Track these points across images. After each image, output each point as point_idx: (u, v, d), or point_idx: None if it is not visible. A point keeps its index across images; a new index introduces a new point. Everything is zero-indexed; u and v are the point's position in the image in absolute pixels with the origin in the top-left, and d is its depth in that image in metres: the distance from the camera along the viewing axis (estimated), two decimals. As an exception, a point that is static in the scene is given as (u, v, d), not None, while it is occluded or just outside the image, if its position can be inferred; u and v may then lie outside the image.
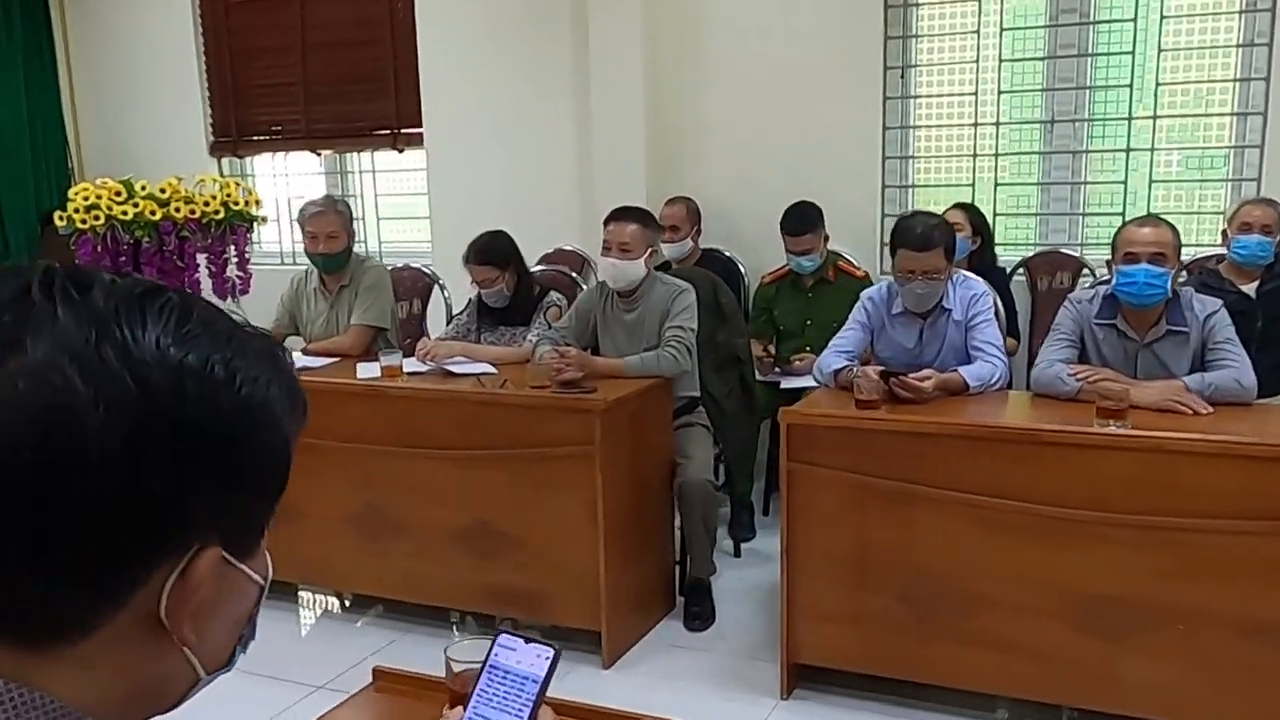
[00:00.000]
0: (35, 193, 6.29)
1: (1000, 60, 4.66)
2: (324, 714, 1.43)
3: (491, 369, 3.58)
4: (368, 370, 3.64)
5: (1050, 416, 2.83)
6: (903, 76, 4.78)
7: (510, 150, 5.40)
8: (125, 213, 4.35)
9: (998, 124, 4.72)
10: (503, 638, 1.14)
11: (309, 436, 0.68)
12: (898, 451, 2.88)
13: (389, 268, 4.39)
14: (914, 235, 3.19)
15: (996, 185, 4.78)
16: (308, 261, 4.22)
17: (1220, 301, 3.04)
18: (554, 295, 3.96)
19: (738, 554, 4.15)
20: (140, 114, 6.32)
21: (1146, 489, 2.62)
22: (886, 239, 4.75)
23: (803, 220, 4.34)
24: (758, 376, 4.14)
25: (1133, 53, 4.46)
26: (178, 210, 4.41)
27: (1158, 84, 4.46)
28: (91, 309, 0.58)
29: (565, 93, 5.21)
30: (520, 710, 1.10)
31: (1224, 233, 4.01)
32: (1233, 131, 4.43)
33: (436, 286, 4.85)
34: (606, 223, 3.65)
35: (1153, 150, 4.53)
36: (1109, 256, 3.15)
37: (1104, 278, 4.10)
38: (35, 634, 0.58)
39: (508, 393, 3.35)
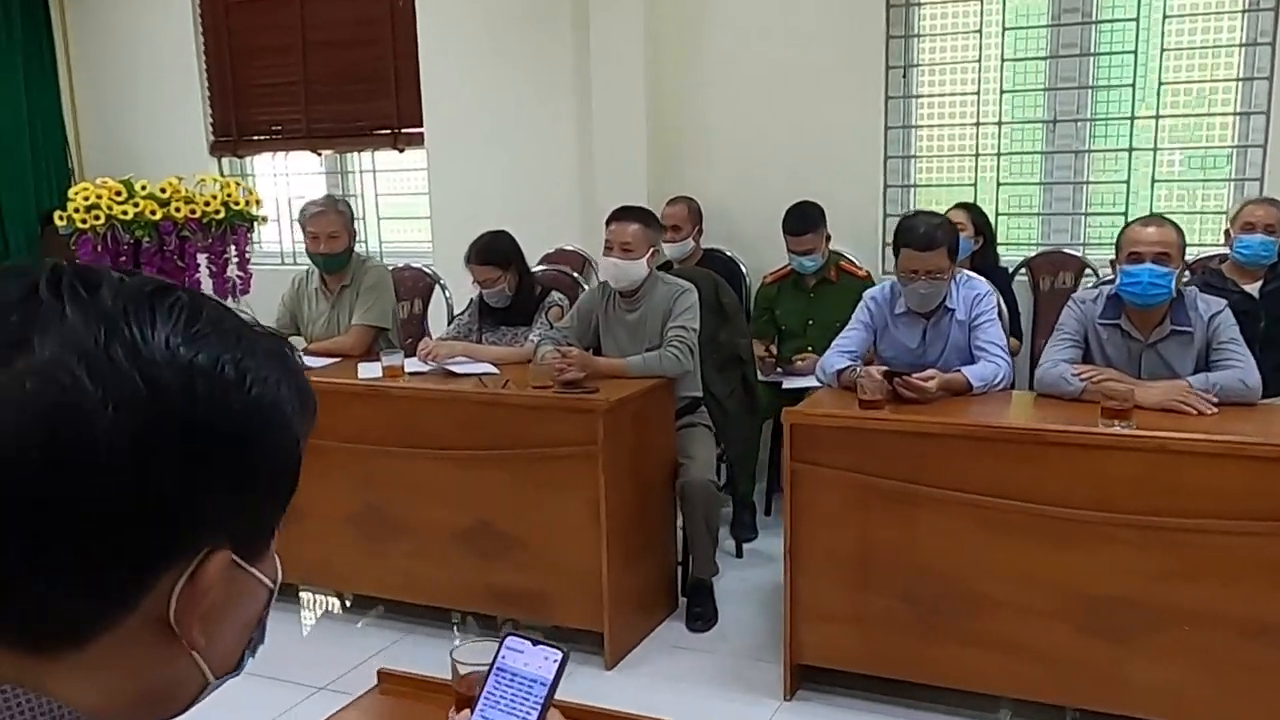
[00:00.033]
0: (35, 192, 6.27)
1: (1002, 59, 4.65)
2: (329, 717, 1.42)
3: (493, 369, 3.57)
4: (369, 370, 3.63)
5: (1054, 417, 2.83)
6: (905, 76, 4.77)
7: (511, 150, 5.39)
8: (125, 212, 4.34)
9: (1000, 123, 4.71)
10: (510, 640, 1.13)
11: (310, 437, 0.67)
12: (901, 452, 2.87)
13: (390, 268, 4.38)
14: (917, 235, 3.18)
15: (999, 185, 4.77)
16: (308, 261, 4.21)
17: (1225, 301, 3.04)
18: (555, 295, 3.95)
19: (739, 554, 4.14)
20: (140, 114, 6.31)
21: (1151, 489, 2.62)
22: (888, 239, 4.77)
23: (805, 220, 4.33)
24: (759, 377, 4.13)
25: (1135, 52, 4.45)
26: (178, 210, 4.40)
27: (1160, 83, 4.46)
28: (100, 308, 0.57)
29: (566, 92, 5.20)
30: (528, 713, 1.09)
31: (1227, 233, 4.00)
32: (1235, 131, 4.42)
33: (438, 286, 4.84)
34: (608, 222, 3.64)
35: (1155, 150, 4.52)
36: (1112, 256, 3.14)
37: (1107, 277, 4.09)
38: (42, 637, 0.57)
39: (510, 393, 3.34)
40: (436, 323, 4.82)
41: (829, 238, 4.38)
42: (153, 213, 4.36)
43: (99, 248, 4.37)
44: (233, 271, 4.64)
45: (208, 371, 0.58)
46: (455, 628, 3.67)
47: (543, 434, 3.27)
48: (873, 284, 4.15)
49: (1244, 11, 4.28)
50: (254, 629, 0.69)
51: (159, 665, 0.62)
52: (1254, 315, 3.40)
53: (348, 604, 3.89)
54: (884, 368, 3.07)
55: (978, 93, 4.71)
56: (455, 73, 5.47)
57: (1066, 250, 4.62)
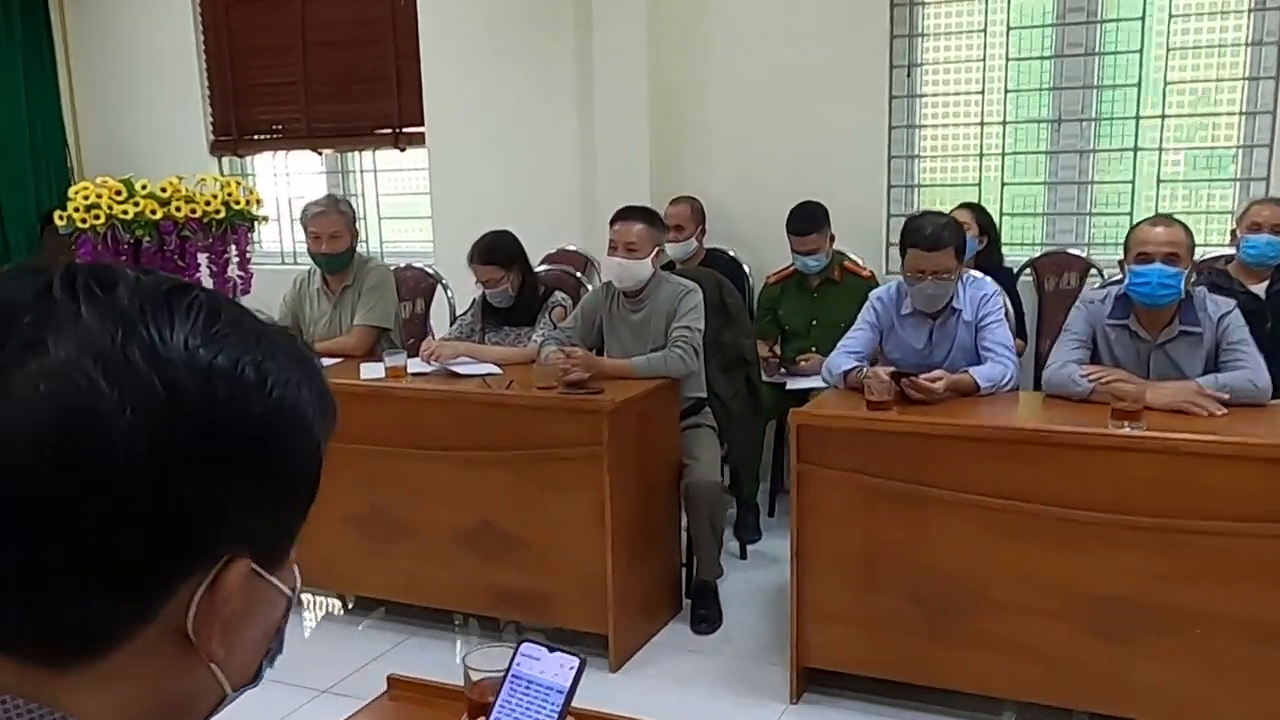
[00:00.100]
0: (35, 192, 6.25)
1: (1007, 59, 4.63)
2: (339, 723, 1.40)
3: (496, 369, 3.56)
4: (372, 371, 3.61)
5: (1063, 418, 2.81)
6: (909, 75, 4.75)
7: (513, 150, 5.37)
8: (126, 212, 4.31)
9: (1004, 123, 4.69)
10: (525, 646, 1.11)
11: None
12: (908, 453, 2.85)
13: (391, 268, 4.36)
14: (924, 235, 3.16)
15: (1003, 185, 4.75)
16: (309, 261, 4.19)
17: (1234, 302, 3.02)
18: (559, 295, 3.93)
19: (744, 556, 4.12)
20: (140, 113, 6.28)
21: (1160, 491, 2.60)
22: (892, 239, 4.76)
23: (808, 220, 4.31)
24: (763, 377, 4.11)
25: (1140, 51, 4.44)
26: (178, 210, 4.37)
27: (1166, 83, 4.44)
28: (116, 307, 0.55)
29: (568, 92, 5.18)
30: (545, 721, 1.07)
31: (1233, 233, 3.99)
32: (1241, 131, 4.40)
33: (439, 286, 4.82)
34: (612, 222, 3.62)
35: (1160, 150, 4.50)
36: (1120, 256, 3.13)
37: (1112, 278, 4.08)
38: (57, 650, 0.55)
39: (514, 393, 3.32)
40: (439, 323, 4.80)
41: (833, 238, 4.36)
42: (153, 212, 4.33)
43: (99, 247, 4.34)
44: (233, 271, 4.61)
45: (227, 373, 0.57)
46: (457, 630, 3.65)
47: (547, 435, 3.25)
48: (877, 284, 4.13)
49: (1250, 11, 4.27)
50: (272, 639, 0.67)
51: (176, 677, 0.60)
52: (1260, 315, 3.38)
53: (349, 606, 3.86)
54: (891, 368, 3.05)
55: (982, 92, 4.69)
56: (456, 72, 5.44)
57: (1071, 250, 4.60)
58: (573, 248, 5.14)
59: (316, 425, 0.63)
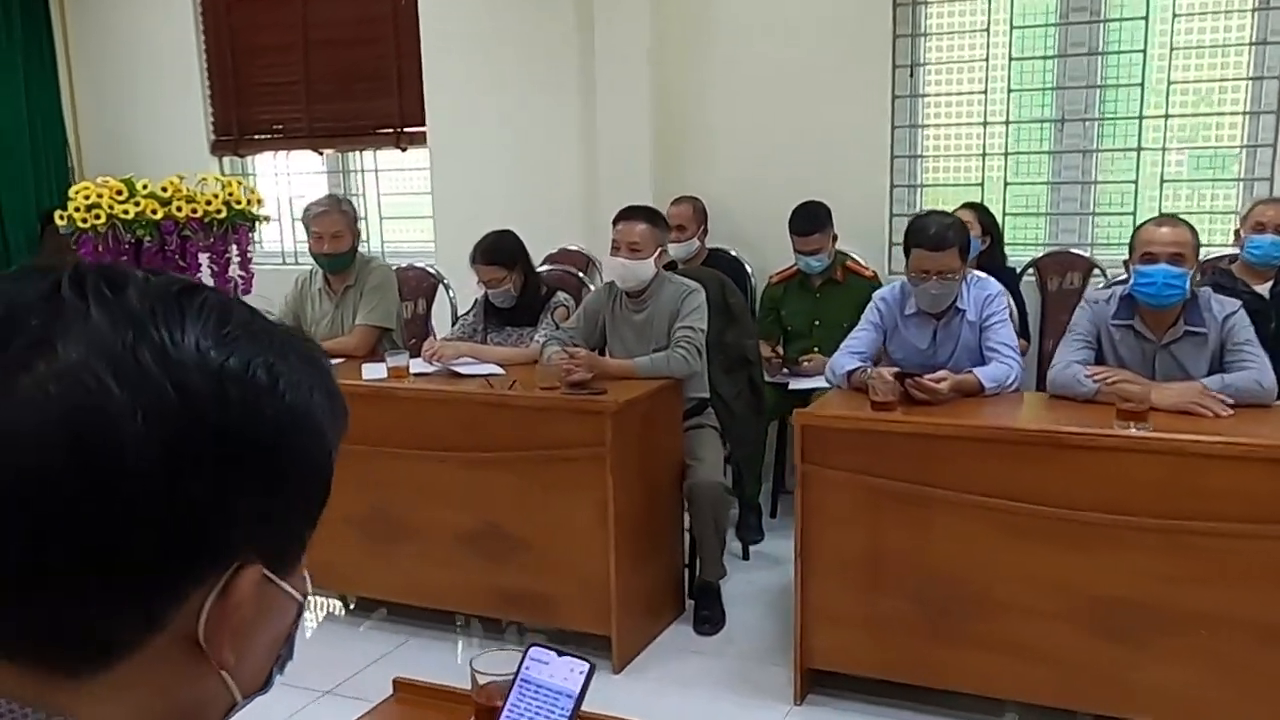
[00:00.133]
0: (35, 191, 6.24)
1: (1010, 58, 4.62)
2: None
3: (499, 370, 3.54)
4: (374, 371, 3.60)
5: (1068, 418, 2.80)
6: (911, 75, 4.74)
7: (514, 149, 5.36)
8: (126, 212, 4.30)
9: (1007, 123, 4.68)
10: (534, 650, 1.10)
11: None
12: (913, 453, 2.84)
13: (393, 267, 4.34)
14: (928, 235, 3.15)
15: (1006, 184, 4.74)
16: (310, 261, 4.18)
17: (1239, 302, 3.01)
18: (561, 295, 3.92)
19: (746, 556, 4.11)
20: (141, 112, 6.27)
21: (1167, 492, 2.59)
22: (895, 239, 4.75)
23: (811, 220, 4.30)
24: (766, 377, 4.10)
25: (1144, 51, 4.42)
26: (179, 209, 4.36)
27: (1169, 82, 4.43)
28: (126, 309, 0.54)
29: (570, 91, 5.17)
30: (554, 726, 1.06)
31: (1237, 233, 3.98)
32: (1245, 130, 4.39)
33: (441, 286, 4.81)
34: (615, 222, 3.61)
35: (1164, 149, 4.49)
36: (1125, 256, 3.12)
37: (1116, 278, 4.07)
38: (67, 658, 0.54)
39: (517, 394, 3.31)
40: (440, 323, 4.79)
41: (835, 238, 4.35)
42: (154, 212, 4.32)
43: (100, 247, 4.33)
44: (234, 271, 4.60)
45: (239, 376, 0.56)
46: (459, 631, 3.64)
47: (550, 436, 3.24)
48: (879, 284, 4.13)
49: (1254, 10, 4.26)
50: (283, 645, 0.66)
51: (187, 685, 0.59)
52: (1265, 315, 3.36)
53: (351, 606, 3.85)
54: (895, 369, 3.04)
55: (985, 92, 4.68)
56: (458, 71, 5.43)
57: (1074, 250, 4.59)
58: (574, 247, 5.13)
59: (328, 428, 0.62)
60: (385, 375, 3.53)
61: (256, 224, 4.68)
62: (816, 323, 4.38)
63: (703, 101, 4.97)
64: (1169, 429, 2.63)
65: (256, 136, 6.18)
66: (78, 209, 4.31)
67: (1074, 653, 2.72)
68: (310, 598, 0.67)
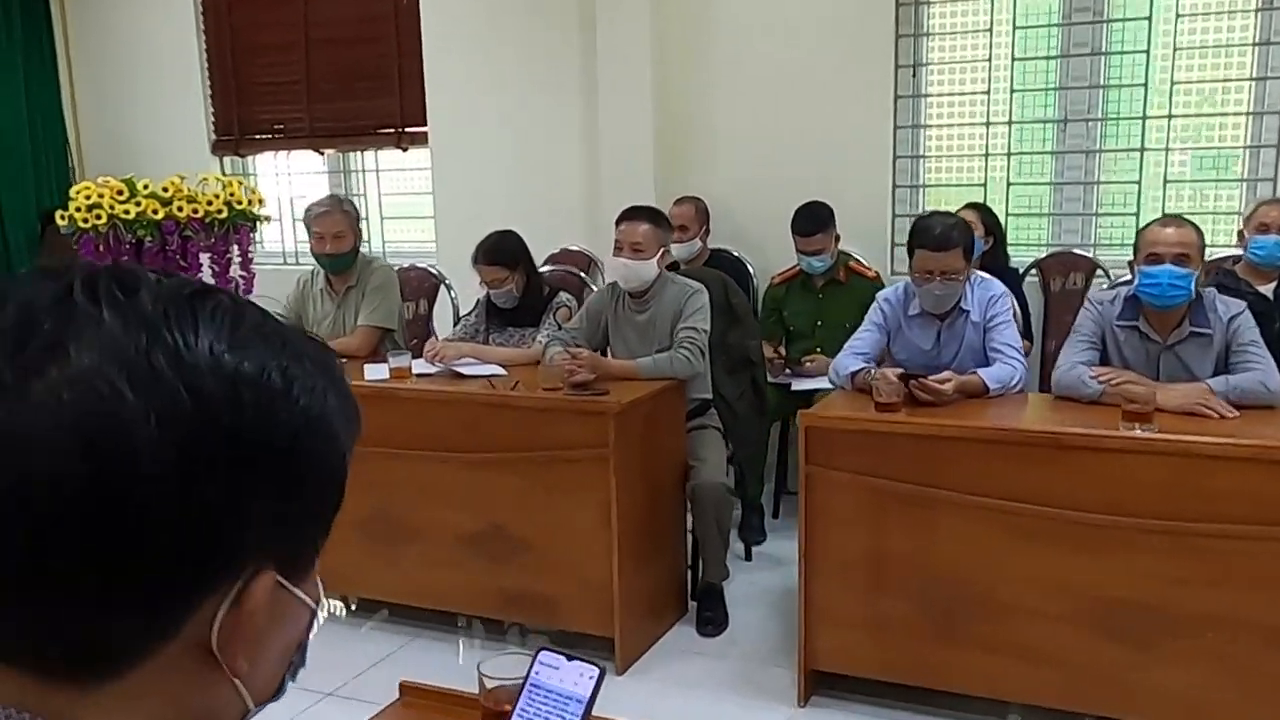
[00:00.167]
0: (36, 190, 6.23)
1: (1013, 59, 4.61)
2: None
3: (501, 370, 3.54)
4: (376, 372, 3.59)
5: (1073, 419, 2.79)
6: (914, 75, 4.73)
7: (516, 149, 5.35)
8: (127, 212, 4.29)
9: (1010, 123, 4.67)
10: (544, 655, 1.10)
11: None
12: (918, 455, 2.83)
13: (395, 268, 4.33)
14: (932, 235, 3.14)
15: (1009, 185, 4.73)
16: (311, 262, 4.17)
17: (1244, 303, 3.00)
18: (563, 296, 3.91)
19: (749, 557, 4.10)
20: (141, 112, 6.26)
21: (1173, 494, 2.58)
22: (897, 239, 4.74)
23: (814, 220, 4.29)
24: (769, 378, 4.09)
25: (1147, 51, 4.41)
26: (180, 209, 4.36)
27: (1172, 83, 4.42)
28: (139, 312, 0.53)
29: (572, 91, 5.16)
30: (565, 731, 1.05)
31: (1240, 233, 3.98)
32: (1248, 131, 4.38)
33: (443, 287, 4.80)
34: (618, 222, 3.60)
35: (1167, 150, 4.48)
36: (1128, 257, 3.11)
37: (1120, 278, 4.06)
38: (77, 667, 0.54)
39: (519, 395, 3.30)
40: (442, 323, 4.78)
41: (838, 238, 4.34)
42: (155, 212, 4.31)
43: (101, 247, 4.33)
44: (235, 272, 4.59)
45: (253, 380, 0.55)
46: (461, 632, 3.63)
47: (553, 437, 3.23)
48: (882, 285, 4.12)
49: (1257, 10, 4.25)
50: (295, 652, 0.65)
51: (199, 694, 0.58)
52: (1269, 316, 3.36)
53: (353, 607, 3.84)
54: (900, 370, 3.03)
55: (988, 92, 4.67)
56: (459, 71, 5.42)
57: (1077, 251, 4.58)
58: (576, 248, 5.12)
59: (342, 432, 0.61)
60: (387, 376, 3.52)
61: (258, 224, 4.68)
62: (819, 323, 4.37)
63: (705, 101, 4.96)
64: (1174, 430, 2.62)
65: (257, 136, 6.17)
66: (79, 209, 4.30)
67: (1079, 654, 2.72)
68: (322, 604, 0.66)
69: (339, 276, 4.07)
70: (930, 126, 4.80)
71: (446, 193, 5.60)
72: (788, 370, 4.32)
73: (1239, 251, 3.96)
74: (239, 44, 6.05)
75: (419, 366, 3.60)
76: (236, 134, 6.17)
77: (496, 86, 5.34)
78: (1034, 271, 4.56)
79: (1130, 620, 2.65)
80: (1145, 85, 4.45)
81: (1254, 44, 4.30)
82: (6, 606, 0.51)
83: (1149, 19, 4.39)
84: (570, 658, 1.09)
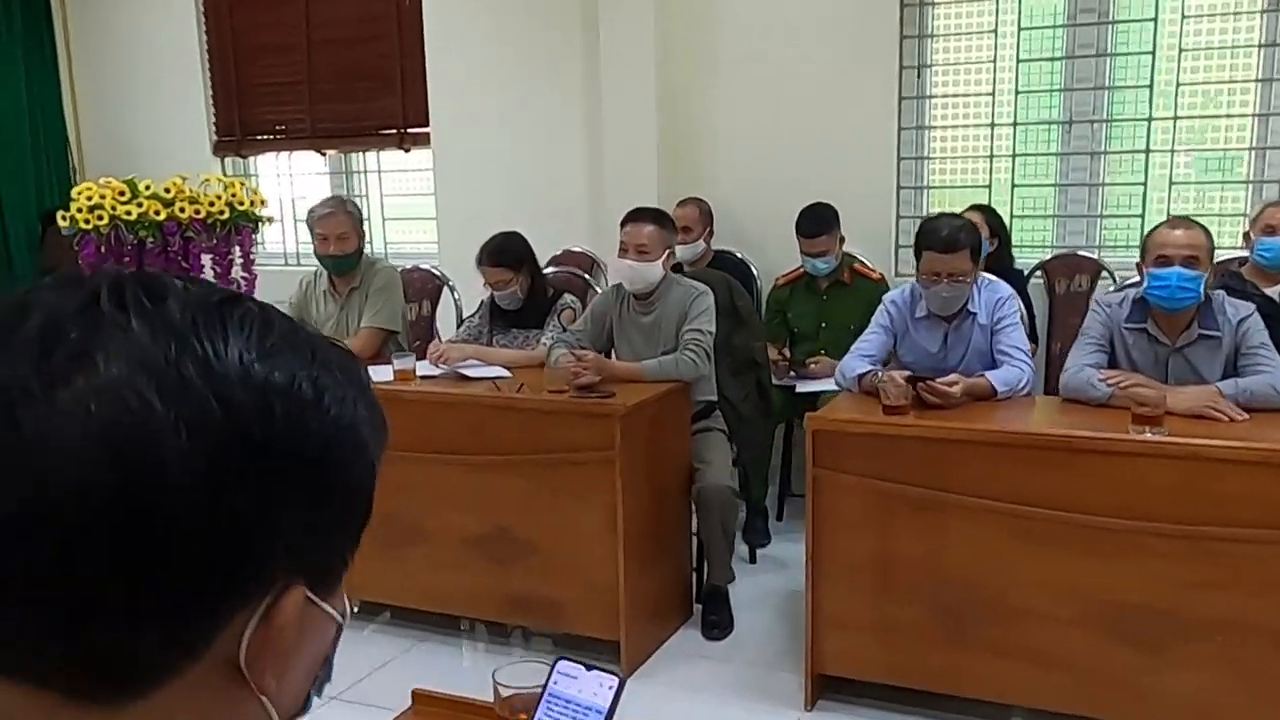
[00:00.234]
0: (37, 191, 6.21)
1: (1018, 60, 4.60)
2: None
3: (506, 372, 3.52)
4: (380, 374, 3.56)
5: (1082, 422, 2.78)
6: (918, 76, 4.72)
7: (518, 150, 5.33)
8: (129, 213, 4.27)
9: (1015, 124, 4.66)
10: (562, 664, 1.08)
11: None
12: (925, 458, 2.82)
13: (398, 269, 4.32)
14: (940, 237, 3.13)
15: (1013, 186, 4.72)
16: (313, 263, 4.15)
17: (1253, 306, 2.99)
18: (568, 298, 3.90)
19: (753, 560, 4.09)
20: (142, 112, 6.25)
21: (1182, 497, 2.57)
22: (902, 241, 4.73)
23: (818, 222, 4.28)
24: (773, 380, 4.07)
25: (1153, 53, 4.40)
26: (182, 210, 4.34)
27: (1178, 84, 4.41)
28: (168, 321, 0.52)
29: (575, 92, 5.14)
30: (584, 742, 1.03)
31: (1246, 235, 3.97)
32: (1254, 133, 4.37)
33: (446, 288, 4.79)
34: (623, 224, 3.59)
35: (1172, 151, 4.47)
36: (1132, 259, 3.10)
37: (1125, 280, 4.05)
38: (103, 686, 0.52)
39: (525, 397, 3.28)
40: (445, 325, 4.77)
41: (843, 239, 4.33)
42: (156, 213, 4.30)
43: (102, 248, 4.31)
44: (237, 273, 4.57)
45: (284, 389, 0.53)
46: (464, 634, 3.61)
47: (558, 439, 3.21)
48: (887, 286, 4.10)
49: (1263, 12, 4.24)
50: (321, 667, 0.64)
51: (226, 712, 0.56)
52: (1275, 319, 3.35)
53: (355, 610, 3.80)
54: (907, 372, 3.01)
55: (992, 93, 4.66)
56: (462, 71, 5.41)
57: (1082, 253, 4.56)
58: (579, 249, 5.11)
59: (371, 442, 0.60)
60: (391, 378, 3.51)
61: (259, 225, 4.66)
62: (823, 325, 4.36)
63: (708, 102, 4.94)
64: (1184, 434, 2.61)
65: (259, 137, 6.16)
66: (80, 210, 4.28)
67: (1089, 658, 2.70)
68: (348, 617, 0.65)
69: (342, 278, 4.06)
70: (935, 128, 4.79)
71: (449, 194, 5.58)
72: (792, 372, 4.31)
73: (1245, 253, 3.96)
74: (240, 44, 6.04)
75: (423, 368, 3.59)
76: (238, 134, 6.15)
77: (499, 87, 5.32)
78: (1039, 273, 4.55)
79: (1140, 624, 2.64)
80: (1150, 87, 4.44)
81: (1260, 45, 4.29)
82: (32, 622, 0.50)
83: (1154, 20, 4.38)
84: (589, 667, 1.08)
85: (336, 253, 3.95)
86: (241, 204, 4.48)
